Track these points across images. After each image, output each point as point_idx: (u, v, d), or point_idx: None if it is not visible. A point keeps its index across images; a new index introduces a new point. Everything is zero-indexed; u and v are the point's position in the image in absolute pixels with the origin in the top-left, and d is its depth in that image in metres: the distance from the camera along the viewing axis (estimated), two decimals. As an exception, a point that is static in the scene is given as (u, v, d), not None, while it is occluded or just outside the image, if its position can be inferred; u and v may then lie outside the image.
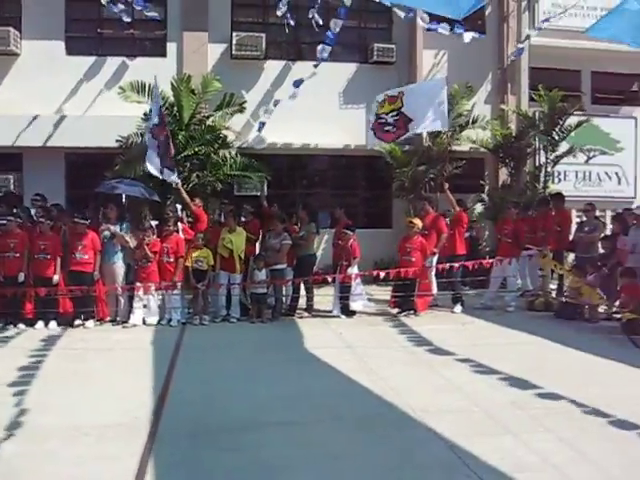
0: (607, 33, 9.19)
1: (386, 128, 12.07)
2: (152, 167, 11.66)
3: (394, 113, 12.01)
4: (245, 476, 5.09)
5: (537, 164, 17.16)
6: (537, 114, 16.45)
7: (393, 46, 16.49)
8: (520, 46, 14.73)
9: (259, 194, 13.90)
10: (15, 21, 15.66)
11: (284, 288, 12.05)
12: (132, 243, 11.28)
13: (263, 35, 15.85)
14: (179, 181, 12.15)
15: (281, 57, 16.56)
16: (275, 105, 13.45)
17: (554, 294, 13.13)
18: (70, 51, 15.91)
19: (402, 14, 12.55)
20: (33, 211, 12.48)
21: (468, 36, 12.36)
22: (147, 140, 11.84)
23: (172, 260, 11.29)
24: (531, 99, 17.18)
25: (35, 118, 15.07)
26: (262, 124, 13.76)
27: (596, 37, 11.24)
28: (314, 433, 5.97)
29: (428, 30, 13.31)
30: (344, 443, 5.70)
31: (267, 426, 6.13)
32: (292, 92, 13.85)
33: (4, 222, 11.19)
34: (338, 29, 12.81)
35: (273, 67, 16.38)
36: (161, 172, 11.68)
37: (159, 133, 11.61)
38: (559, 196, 13.81)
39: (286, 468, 5.19)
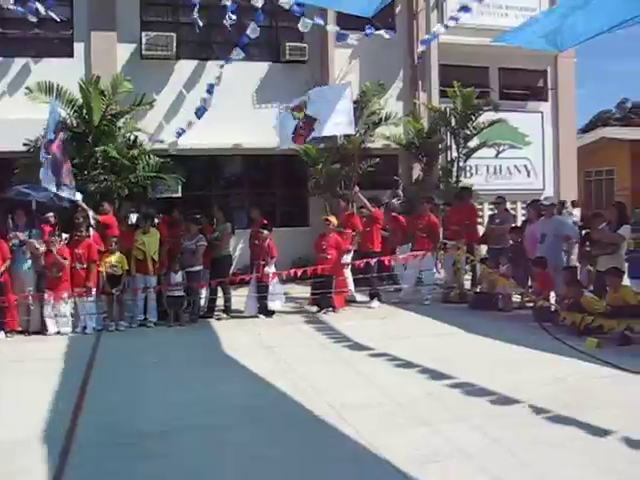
0: (517, 40, 9.58)
1: (300, 132, 12.21)
2: (48, 184, 11.30)
3: (302, 116, 12.18)
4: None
5: (449, 159, 17.55)
6: (448, 110, 16.81)
7: (305, 45, 16.54)
8: (426, 37, 15.07)
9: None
10: None
11: (201, 290, 11.96)
12: (42, 250, 10.96)
13: (174, 35, 15.65)
14: (79, 198, 11.85)
15: (193, 57, 16.38)
16: (199, 116, 13.49)
17: (468, 286, 13.50)
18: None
19: (309, 23, 12.68)
20: None
21: (377, 35, 12.63)
22: (41, 157, 11.42)
23: (85, 266, 11.05)
24: (442, 95, 17.55)
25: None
26: (182, 130, 13.77)
27: (507, 43, 11.62)
28: (234, 436, 5.96)
29: (338, 40, 13.55)
30: (264, 444, 5.71)
31: (187, 430, 6.10)
32: (206, 97, 13.88)
33: None
34: (255, 35, 12.88)
35: (185, 67, 16.19)
36: (57, 188, 11.36)
37: (55, 149, 11.27)
38: (466, 190, 14.23)
39: (207, 472, 5.19)
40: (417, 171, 17.54)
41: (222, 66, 12.97)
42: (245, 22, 13.32)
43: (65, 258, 10.95)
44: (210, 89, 14.12)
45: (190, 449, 5.63)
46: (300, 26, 12.73)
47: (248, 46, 13.72)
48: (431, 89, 17.87)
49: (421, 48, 16.63)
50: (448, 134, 17.20)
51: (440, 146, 17.29)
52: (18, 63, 15.29)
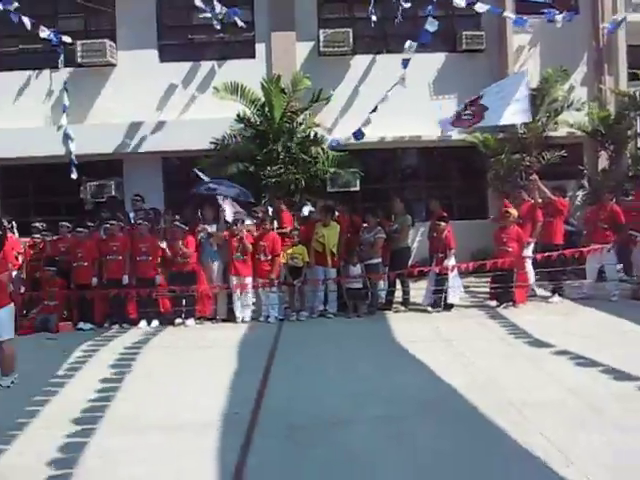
0: None
1: (464, 117, 11.94)
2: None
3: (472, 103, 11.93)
4: (339, 471, 5.09)
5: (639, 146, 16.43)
6: (638, 94, 15.73)
7: (482, 33, 16.12)
8: (615, 17, 14.17)
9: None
10: (111, 33, 16.24)
11: (380, 282, 12.00)
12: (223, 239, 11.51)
13: (350, 30, 15.82)
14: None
15: (368, 51, 16.47)
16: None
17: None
18: (163, 58, 16.36)
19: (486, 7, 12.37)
20: (132, 215, 12.95)
21: (559, 19, 12.05)
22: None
23: (269, 258, 11.44)
24: (631, 78, 16.47)
25: (133, 125, 15.60)
26: (361, 133, 13.97)
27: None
28: (408, 427, 5.91)
29: (517, 25, 13.09)
30: (438, 437, 5.61)
31: (364, 420, 6.13)
32: (384, 96, 13.96)
33: (108, 226, 11.70)
34: (434, 29, 12.79)
35: (360, 62, 16.32)
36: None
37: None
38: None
39: (379, 463, 5.16)
40: (604, 160, 16.57)
41: (405, 65, 13.03)
42: (419, 12, 13.24)
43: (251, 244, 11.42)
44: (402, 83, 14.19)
45: (363, 439, 5.65)
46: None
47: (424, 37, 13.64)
48: (618, 72, 16.76)
49: (608, 31, 15.71)
50: (638, 120, 16.09)
51: (629, 133, 16.22)
52: (205, 66, 16.17)
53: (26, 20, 14.06)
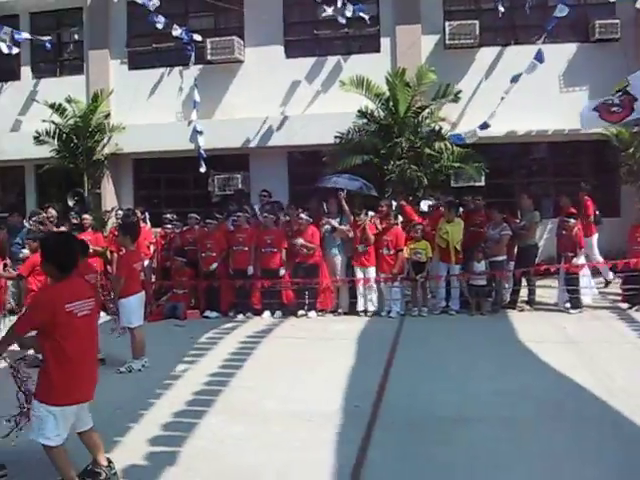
0: None
1: (612, 109, 11.27)
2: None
3: (619, 93, 11.24)
4: (457, 471, 5.03)
5: None
6: None
7: (617, 21, 15.36)
8: None
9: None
10: (239, 31, 16.65)
11: (505, 280, 11.71)
12: (350, 234, 11.53)
13: (476, 22, 15.49)
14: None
15: (495, 43, 16.07)
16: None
17: None
18: (289, 54, 16.62)
19: None
20: (257, 207, 13.24)
21: None
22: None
23: (392, 253, 11.39)
24: None
25: (260, 120, 15.95)
26: (486, 125, 13.64)
27: None
28: (530, 431, 5.76)
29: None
30: (562, 442, 5.44)
31: (482, 421, 6.02)
32: (508, 87, 13.58)
33: (235, 218, 12.02)
34: (562, 14, 12.33)
35: (486, 54, 15.95)
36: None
37: None
38: None
39: (502, 465, 5.06)
40: None
41: (540, 59, 12.66)
42: (549, 1, 12.79)
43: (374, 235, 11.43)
44: (516, 78, 13.77)
45: (483, 440, 5.55)
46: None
47: (554, 27, 13.18)
48: None
49: None
50: None
51: None
52: (330, 61, 16.29)
53: (160, 20, 14.62)
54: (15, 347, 5.02)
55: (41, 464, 4.76)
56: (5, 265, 9.09)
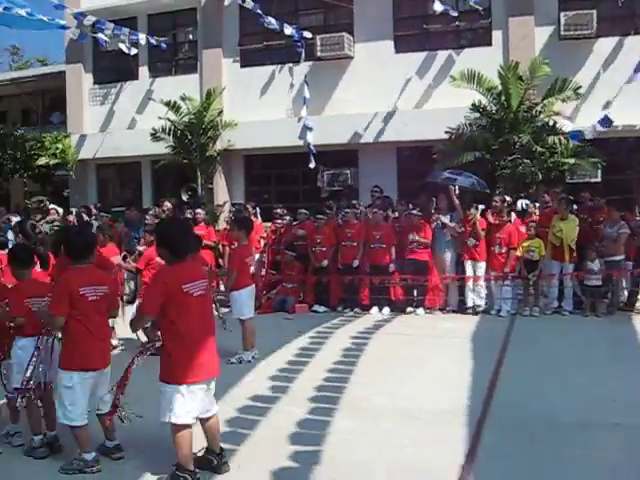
0: None
1: None
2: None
3: None
4: (573, 476, 4.89)
5: None
6: None
7: None
8: None
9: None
10: (348, 27, 16.71)
11: (622, 281, 11.27)
12: (461, 230, 11.39)
13: (594, 12, 14.91)
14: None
15: (613, 33, 15.43)
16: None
17: None
18: (399, 49, 16.55)
19: None
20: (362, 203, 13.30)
21: None
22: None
23: (504, 251, 11.18)
24: None
25: (369, 116, 15.98)
26: (608, 121, 13.14)
27: None
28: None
29: None
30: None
31: (599, 427, 5.83)
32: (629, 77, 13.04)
33: (344, 213, 12.10)
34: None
35: (605, 45, 15.33)
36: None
37: None
38: None
39: (619, 474, 4.88)
40: None
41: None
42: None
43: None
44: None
45: (600, 446, 5.36)
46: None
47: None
48: None
49: None
50: None
51: None
52: (441, 56, 16.12)
53: (272, 19, 14.88)
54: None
55: (157, 447, 4.96)
56: (125, 257, 9.52)
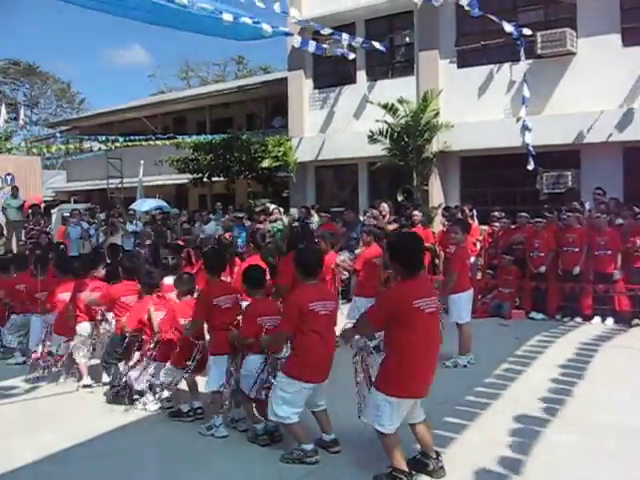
0: None
1: None
2: None
3: None
4: None
5: None
6: None
7: None
8: None
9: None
10: (571, 22, 16.01)
11: None
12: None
13: None
14: None
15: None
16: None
17: None
18: (627, 42, 15.57)
19: None
20: (587, 205, 12.69)
21: None
22: None
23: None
24: None
25: (593, 114, 15.20)
26: None
27: None
28: None
29: None
30: None
31: None
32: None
33: (565, 217, 11.66)
34: None
35: None
36: None
37: None
38: None
39: None
40: None
41: None
42: None
43: None
44: None
45: None
46: None
47: None
48: None
49: None
50: None
51: None
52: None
53: (492, 17, 14.62)
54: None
55: (375, 446, 5.13)
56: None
